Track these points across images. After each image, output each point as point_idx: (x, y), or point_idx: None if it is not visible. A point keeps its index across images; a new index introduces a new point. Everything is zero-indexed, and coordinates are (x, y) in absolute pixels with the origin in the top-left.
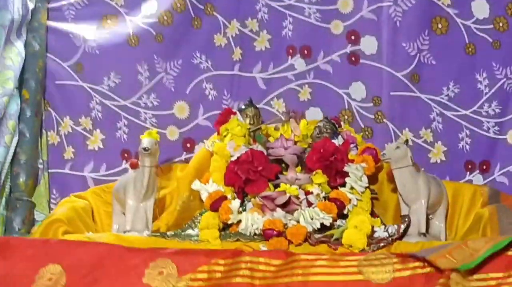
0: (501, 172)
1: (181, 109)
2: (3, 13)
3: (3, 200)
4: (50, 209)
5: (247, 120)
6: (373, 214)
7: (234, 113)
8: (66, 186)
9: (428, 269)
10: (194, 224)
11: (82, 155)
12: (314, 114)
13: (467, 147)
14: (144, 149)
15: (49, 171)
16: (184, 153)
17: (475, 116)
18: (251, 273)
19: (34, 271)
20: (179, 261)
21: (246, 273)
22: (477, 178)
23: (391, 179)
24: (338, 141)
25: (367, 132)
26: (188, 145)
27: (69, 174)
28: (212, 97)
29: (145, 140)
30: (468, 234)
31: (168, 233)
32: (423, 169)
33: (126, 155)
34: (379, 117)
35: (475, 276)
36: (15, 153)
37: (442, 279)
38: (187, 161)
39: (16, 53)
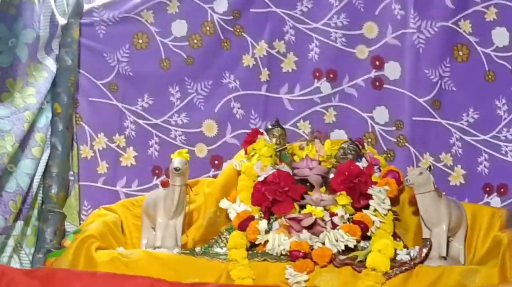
0: None
1: (209, 127)
2: (28, 31)
3: (36, 211)
4: (80, 220)
5: (274, 140)
6: (395, 236)
7: (262, 134)
8: (98, 199)
9: None
10: (220, 239)
11: (115, 170)
12: (339, 136)
13: (486, 170)
14: (175, 169)
15: (81, 183)
16: (212, 169)
17: (493, 141)
18: None
19: None
20: None
21: None
22: (495, 201)
23: (413, 202)
24: (362, 163)
25: (389, 155)
26: (216, 162)
27: (101, 187)
28: (239, 116)
29: (176, 161)
30: (486, 258)
31: (197, 249)
32: (444, 193)
33: (157, 172)
34: (401, 141)
35: None
36: (47, 166)
37: None
38: (214, 177)
39: (41, 69)
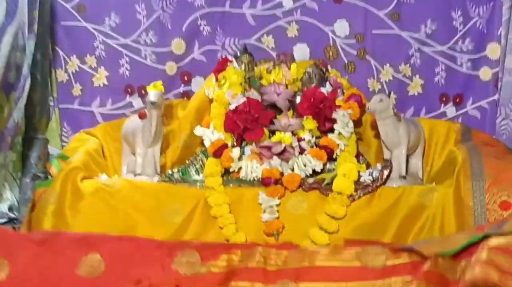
0: (473, 106)
1: (178, 45)
2: None
3: (20, 138)
4: (62, 142)
5: (242, 67)
6: (358, 155)
7: (231, 62)
8: (76, 120)
9: (415, 258)
10: (196, 161)
11: (89, 91)
12: (301, 50)
13: (442, 80)
14: (152, 103)
15: (59, 106)
16: (182, 85)
17: (450, 52)
18: (265, 260)
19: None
20: (203, 252)
21: (260, 259)
22: (450, 110)
23: (374, 125)
24: (326, 88)
25: (350, 67)
26: (186, 78)
27: (78, 109)
28: (206, 33)
29: (152, 93)
30: (442, 172)
31: (175, 174)
32: (403, 115)
33: (129, 90)
34: (362, 53)
35: None
36: (28, 96)
37: (427, 264)
38: (185, 93)
39: None
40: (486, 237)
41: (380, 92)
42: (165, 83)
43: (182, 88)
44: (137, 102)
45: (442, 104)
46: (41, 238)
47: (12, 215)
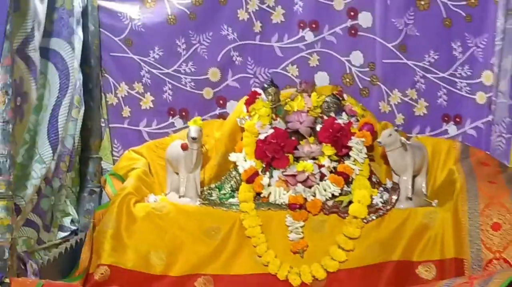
0: (471, 125)
1: (214, 73)
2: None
3: (77, 158)
4: (113, 157)
5: (269, 98)
6: (371, 174)
7: (259, 94)
8: (126, 138)
9: None
10: (230, 177)
11: (137, 113)
12: (322, 77)
13: (444, 103)
14: (193, 138)
15: (110, 125)
16: (218, 108)
17: (450, 77)
18: None
19: None
20: None
21: None
22: (452, 129)
23: (384, 152)
24: (343, 119)
25: (364, 92)
26: (221, 102)
27: (127, 128)
28: (238, 63)
29: (193, 129)
30: (443, 189)
31: (214, 200)
32: (409, 143)
33: (172, 112)
34: (374, 80)
35: None
36: (83, 120)
37: None
38: (220, 114)
39: (78, 40)
40: None
41: (389, 127)
42: (202, 106)
43: (218, 111)
44: (178, 123)
45: (444, 123)
46: None
47: (73, 227)
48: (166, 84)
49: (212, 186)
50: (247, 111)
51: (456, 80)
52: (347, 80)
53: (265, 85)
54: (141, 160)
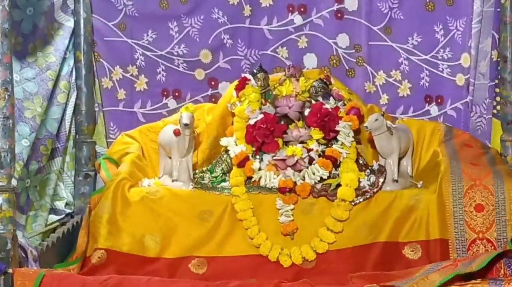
0: (452, 106)
1: (205, 55)
2: (43, 1)
3: (71, 142)
4: (107, 139)
5: (259, 83)
6: (358, 156)
7: (249, 80)
8: (121, 120)
9: None
10: (221, 160)
11: (132, 95)
12: (310, 59)
13: (427, 84)
14: (185, 125)
15: (106, 109)
16: (210, 89)
17: (433, 60)
18: None
19: None
20: None
21: None
22: (433, 109)
23: (370, 136)
24: (330, 103)
25: (350, 73)
26: (213, 83)
27: (122, 110)
28: (229, 45)
29: (185, 116)
30: (428, 170)
31: (207, 184)
32: (395, 126)
33: (165, 93)
34: (360, 61)
35: None
36: (76, 105)
37: None
38: (212, 95)
39: (57, 28)
40: (457, 275)
41: (375, 112)
42: (195, 87)
43: (210, 92)
44: (172, 103)
45: (427, 104)
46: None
47: (68, 211)
48: (159, 66)
49: (204, 169)
50: (237, 96)
51: (438, 62)
52: (334, 61)
53: (254, 71)
54: (135, 144)
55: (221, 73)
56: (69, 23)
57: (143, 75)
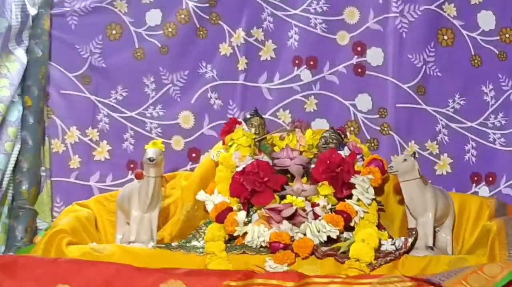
0: (507, 183)
1: (186, 119)
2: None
3: (5, 208)
4: (53, 217)
5: (253, 130)
6: (379, 226)
7: (240, 123)
8: (71, 194)
9: None
10: (199, 234)
11: (88, 165)
12: (320, 125)
13: (473, 158)
14: (149, 159)
15: (53, 179)
16: (190, 162)
17: (481, 128)
18: None
19: None
20: (190, 282)
21: None
22: (483, 190)
23: (397, 190)
24: (344, 152)
25: (373, 144)
26: (194, 155)
27: (74, 183)
28: (217, 107)
29: (150, 151)
30: (475, 248)
31: (173, 244)
32: (430, 181)
33: (132, 166)
34: (385, 129)
35: None
36: (17, 161)
37: None
38: (192, 170)
39: (13, 60)
40: None
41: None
42: (170, 159)
43: (189, 166)
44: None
45: (474, 184)
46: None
47: None
48: (127, 130)
49: (175, 245)
50: (223, 143)
51: (488, 131)
52: (352, 128)
53: (248, 115)
54: (87, 211)
55: (204, 142)
56: (24, 59)
57: (105, 141)
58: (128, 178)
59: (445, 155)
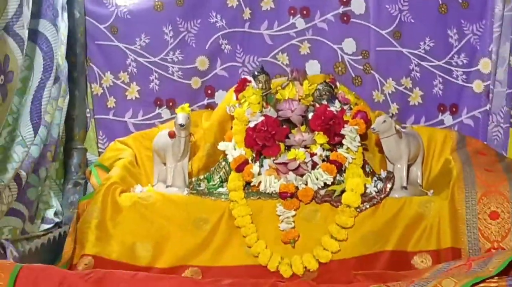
0: (468, 115)
1: (202, 62)
2: None
3: (61, 148)
4: (98, 149)
5: (260, 86)
6: (364, 163)
7: (249, 82)
8: (111, 129)
9: None
10: (219, 168)
11: (122, 104)
12: (313, 66)
13: (440, 92)
14: (180, 125)
15: (95, 117)
16: (206, 98)
17: (446, 66)
18: None
19: None
20: None
21: None
22: (447, 119)
23: (378, 140)
24: (335, 106)
25: (357, 81)
26: (209, 91)
27: (112, 119)
28: (227, 51)
29: (180, 117)
30: (439, 179)
31: (202, 186)
32: (404, 130)
33: (158, 103)
34: (367, 68)
35: None
36: (68, 110)
37: None
38: (209, 104)
39: (64, 26)
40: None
41: (383, 114)
42: (190, 96)
43: (206, 101)
44: (165, 113)
45: (440, 113)
46: (96, 278)
47: (57, 219)
48: (152, 73)
49: (201, 177)
50: (237, 98)
51: (452, 68)
52: (339, 68)
53: (256, 73)
54: (127, 150)
55: (218, 81)
56: (67, 22)
57: (134, 83)
58: (155, 113)
59: (417, 88)
